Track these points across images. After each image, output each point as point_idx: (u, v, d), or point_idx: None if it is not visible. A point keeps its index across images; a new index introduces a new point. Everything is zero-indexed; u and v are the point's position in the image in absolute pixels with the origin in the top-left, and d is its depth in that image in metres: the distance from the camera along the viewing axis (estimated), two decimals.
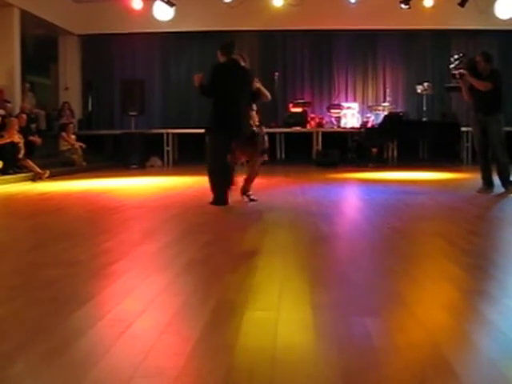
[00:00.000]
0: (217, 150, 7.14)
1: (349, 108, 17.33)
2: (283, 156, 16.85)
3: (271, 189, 9.52)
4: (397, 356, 2.43)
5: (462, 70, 8.57)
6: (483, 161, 8.56)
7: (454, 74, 8.69)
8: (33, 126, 14.45)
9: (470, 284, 3.60)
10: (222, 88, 7.09)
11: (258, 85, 7.30)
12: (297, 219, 6.44)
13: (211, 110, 7.24)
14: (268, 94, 7.49)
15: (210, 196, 7.20)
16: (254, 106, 7.49)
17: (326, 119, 17.29)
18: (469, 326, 2.82)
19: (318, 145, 16.62)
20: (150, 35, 17.53)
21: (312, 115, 17.23)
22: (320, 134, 16.67)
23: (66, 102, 17.09)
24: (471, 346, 2.55)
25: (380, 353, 2.45)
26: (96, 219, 6.72)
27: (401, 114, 16.34)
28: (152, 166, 16.33)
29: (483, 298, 3.27)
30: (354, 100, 17.97)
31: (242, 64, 7.27)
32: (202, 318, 2.90)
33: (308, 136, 16.79)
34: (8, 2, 14.18)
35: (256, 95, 7.38)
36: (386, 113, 16.36)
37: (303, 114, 17.06)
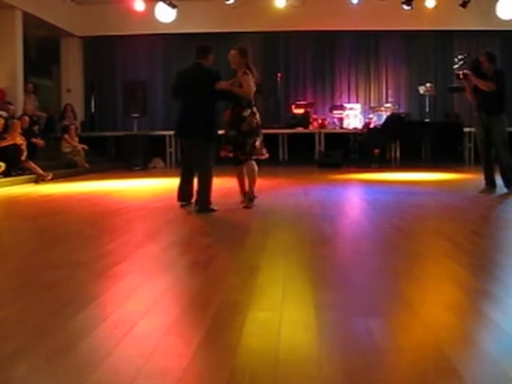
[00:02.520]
0: (182, 151, 7.27)
1: (351, 109, 17.33)
2: (286, 157, 16.86)
3: (274, 190, 9.52)
4: (400, 356, 2.42)
5: (465, 70, 8.55)
6: (486, 161, 8.56)
7: (458, 74, 8.67)
8: (35, 127, 14.46)
9: (474, 284, 3.59)
10: (181, 91, 7.23)
11: (221, 85, 7.02)
12: (299, 220, 6.44)
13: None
14: (243, 90, 7.00)
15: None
16: (246, 103, 7.12)
17: (329, 120, 17.27)
18: (472, 326, 2.82)
19: (320, 146, 16.63)
20: (152, 37, 17.56)
21: (314, 116, 17.23)
22: (322, 135, 16.68)
23: (68, 104, 17.11)
24: (474, 347, 2.55)
25: (383, 353, 2.45)
26: (99, 221, 6.72)
27: (403, 114, 16.35)
28: (154, 168, 16.35)
29: (486, 298, 3.27)
30: (357, 101, 17.96)
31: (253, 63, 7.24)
32: (205, 319, 2.90)
33: (310, 137, 16.78)
34: (10, 4, 14.20)
35: (227, 95, 7.14)
36: (388, 113, 16.36)
37: (306, 115, 17.06)
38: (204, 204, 6.93)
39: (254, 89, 7.10)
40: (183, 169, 7.41)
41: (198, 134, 7.00)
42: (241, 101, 7.05)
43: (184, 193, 7.28)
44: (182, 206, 7.27)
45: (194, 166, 7.12)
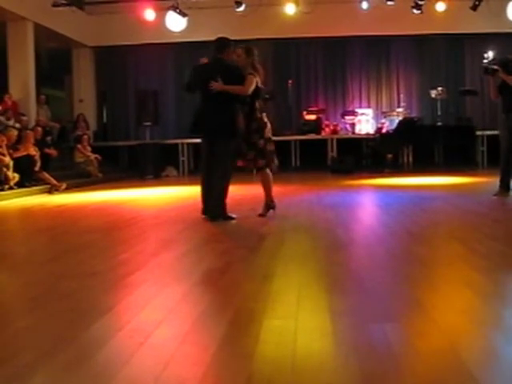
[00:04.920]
0: (202, 152, 7.00)
1: (363, 114, 17.33)
2: (298, 163, 16.87)
3: (287, 196, 9.50)
4: (417, 362, 2.41)
5: (495, 66, 8.48)
6: (505, 164, 8.44)
7: (487, 69, 8.58)
8: (48, 138, 14.55)
9: (489, 289, 3.57)
10: (199, 88, 6.96)
11: (216, 86, 6.65)
12: (314, 226, 6.43)
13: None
14: (240, 88, 6.65)
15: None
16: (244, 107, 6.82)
17: (341, 126, 17.27)
18: (489, 331, 2.79)
19: (332, 152, 16.62)
20: (163, 46, 17.64)
21: (326, 122, 17.24)
22: (335, 141, 16.67)
23: (80, 114, 17.21)
24: (492, 352, 2.52)
25: (400, 359, 2.44)
26: (113, 230, 6.74)
27: (415, 119, 16.32)
28: (167, 176, 16.40)
29: (503, 302, 3.25)
30: (368, 106, 17.96)
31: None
32: (220, 327, 2.90)
33: (323, 143, 16.79)
34: (22, 16, 14.32)
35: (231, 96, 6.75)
36: (400, 118, 16.33)
37: (317, 121, 17.08)
38: (220, 211, 6.73)
39: (263, 90, 6.88)
40: (203, 176, 6.96)
41: (221, 133, 6.73)
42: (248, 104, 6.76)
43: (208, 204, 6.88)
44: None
45: (212, 169, 6.77)
